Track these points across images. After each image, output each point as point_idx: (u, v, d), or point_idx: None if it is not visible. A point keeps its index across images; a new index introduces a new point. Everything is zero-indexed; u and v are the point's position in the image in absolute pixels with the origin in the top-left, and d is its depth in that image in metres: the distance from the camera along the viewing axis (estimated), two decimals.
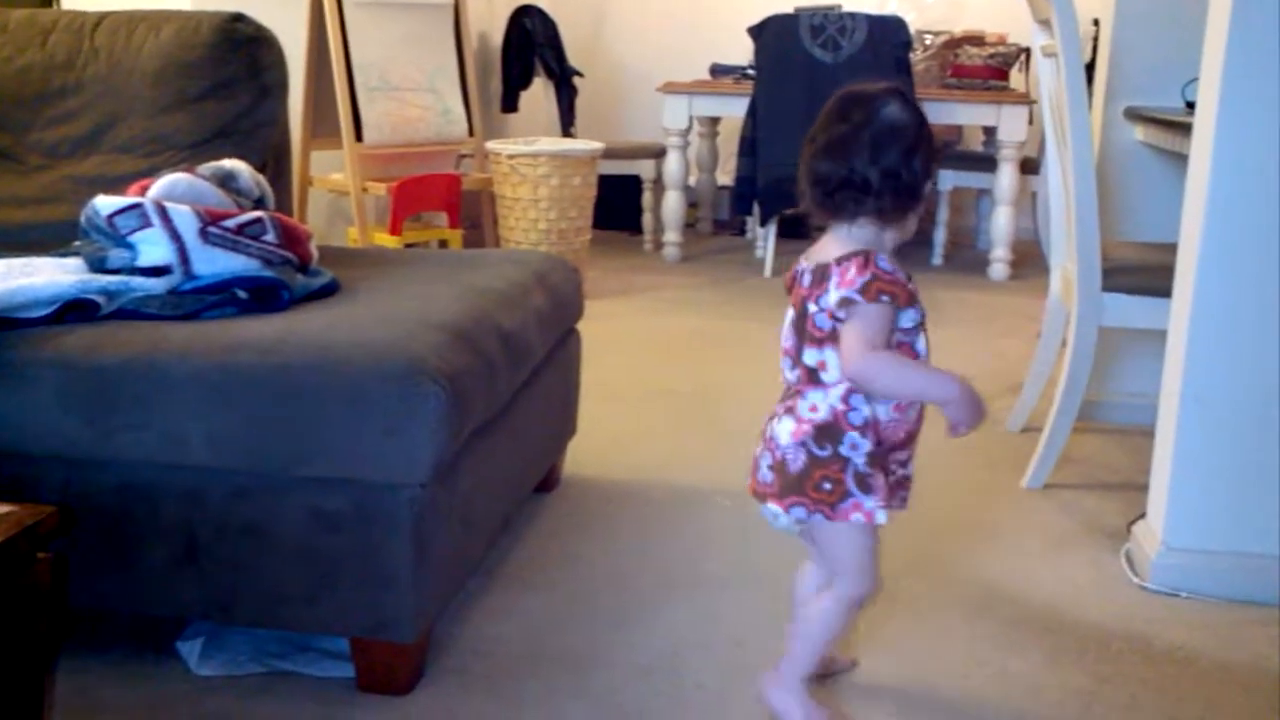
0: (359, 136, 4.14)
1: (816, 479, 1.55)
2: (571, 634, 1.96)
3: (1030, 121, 5.01)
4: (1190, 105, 2.81)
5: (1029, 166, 5.14)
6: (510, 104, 5.67)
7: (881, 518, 1.56)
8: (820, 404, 1.56)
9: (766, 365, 3.78)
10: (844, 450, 1.55)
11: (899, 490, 1.64)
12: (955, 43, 5.35)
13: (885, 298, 1.51)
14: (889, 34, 4.69)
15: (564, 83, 5.65)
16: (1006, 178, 4.92)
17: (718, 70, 5.37)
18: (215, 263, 1.90)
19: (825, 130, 1.57)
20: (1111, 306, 2.56)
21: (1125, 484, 2.68)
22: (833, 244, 1.59)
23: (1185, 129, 2.54)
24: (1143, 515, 2.31)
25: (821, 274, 1.56)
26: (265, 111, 2.43)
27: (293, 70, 2.60)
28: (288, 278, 1.95)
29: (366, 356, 1.69)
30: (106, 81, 2.43)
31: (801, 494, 1.56)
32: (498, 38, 5.65)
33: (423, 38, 4.44)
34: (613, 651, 1.90)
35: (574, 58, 5.74)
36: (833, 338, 1.55)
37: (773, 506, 1.60)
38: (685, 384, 3.36)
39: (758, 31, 4.85)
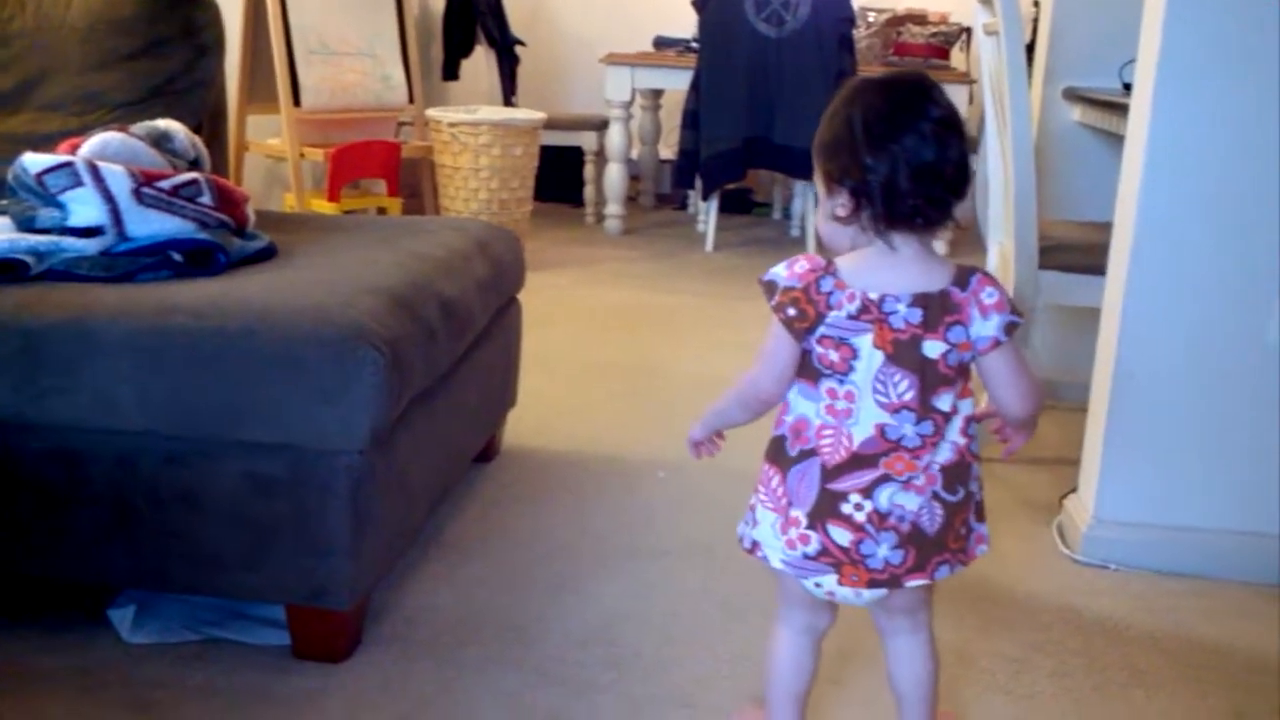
0: (296, 101, 4.07)
1: (956, 527, 1.37)
2: (509, 603, 1.96)
3: (970, 101, 5.05)
4: (1127, 86, 2.85)
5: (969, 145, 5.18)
6: (451, 72, 5.61)
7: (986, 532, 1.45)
8: (942, 445, 1.34)
9: (706, 339, 3.79)
10: (973, 486, 1.39)
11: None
12: (898, 20, 5.38)
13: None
14: (832, 10, 4.70)
15: (506, 52, 5.60)
16: None
17: (661, 43, 5.35)
18: (149, 224, 1.86)
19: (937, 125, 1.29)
20: (1047, 284, 2.60)
21: (1057, 459, 2.72)
22: (920, 263, 1.31)
23: (1122, 110, 2.57)
24: (1074, 489, 2.35)
25: (942, 305, 1.29)
26: (201, 72, 2.38)
27: (229, 32, 2.54)
28: (224, 241, 1.92)
29: (304, 321, 1.66)
30: (33, 36, 2.36)
31: (943, 550, 1.37)
32: (439, 4, 5.59)
33: (363, 2, 4.38)
34: (550, 621, 1.90)
35: (516, 26, 5.68)
36: (962, 373, 1.32)
37: (912, 583, 1.37)
38: (624, 357, 3.35)
39: (702, 4, 4.84)
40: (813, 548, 1.35)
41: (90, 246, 1.83)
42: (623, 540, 2.21)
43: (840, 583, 1.35)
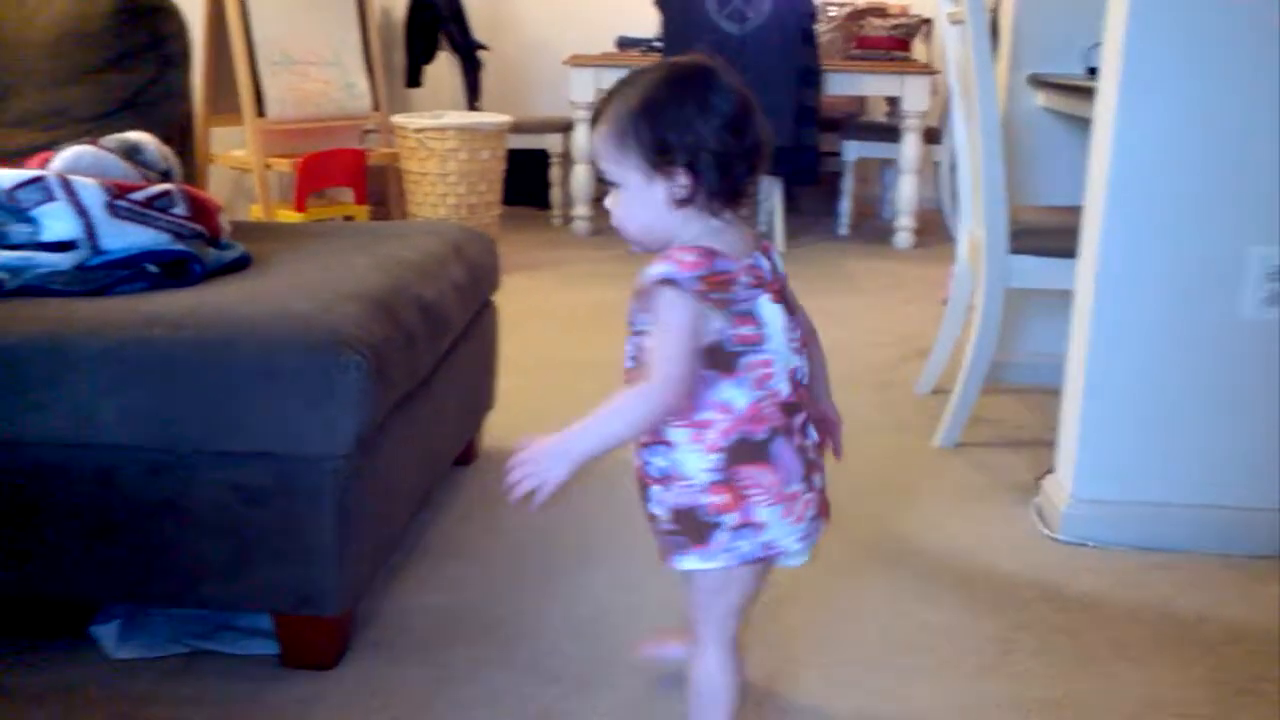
0: (261, 111, 4.05)
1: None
2: (496, 604, 1.96)
3: (934, 92, 5.09)
4: (1091, 71, 2.89)
5: (932, 136, 5.22)
6: (414, 79, 5.60)
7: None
8: None
9: None
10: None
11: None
12: (859, 14, 5.42)
13: None
14: (794, 6, 4.72)
15: (469, 57, 5.59)
16: (910, 147, 4.99)
17: (625, 43, 5.36)
18: (124, 236, 1.85)
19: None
20: (1018, 268, 2.62)
21: (1033, 441, 2.75)
22: (738, 228, 1.40)
23: (1087, 93, 2.60)
24: (1051, 470, 2.37)
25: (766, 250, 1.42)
26: (168, 83, 2.37)
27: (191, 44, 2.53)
28: (199, 251, 1.91)
29: (284, 328, 1.66)
30: None
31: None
32: (401, 11, 5.57)
33: (325, 10, 4.36)
34: (538, 619, 1.91)
35: (479, 31, 5.68)
36: None
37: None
38: (599, 355, 3.35)
39: (664, 3, 4.85)
40: (813, 509, 1.40)
41: (65, 261, 1.82)
42: (605, 537, 2.21)
43: (818, 516, 1.42)
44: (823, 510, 1.43)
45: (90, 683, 1.71)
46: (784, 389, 1.36)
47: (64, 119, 2.28)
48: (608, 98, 1.36)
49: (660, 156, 1.31)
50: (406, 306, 1.88)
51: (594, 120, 1.38)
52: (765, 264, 1.38)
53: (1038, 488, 2.40)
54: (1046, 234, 2.62)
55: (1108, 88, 2.14)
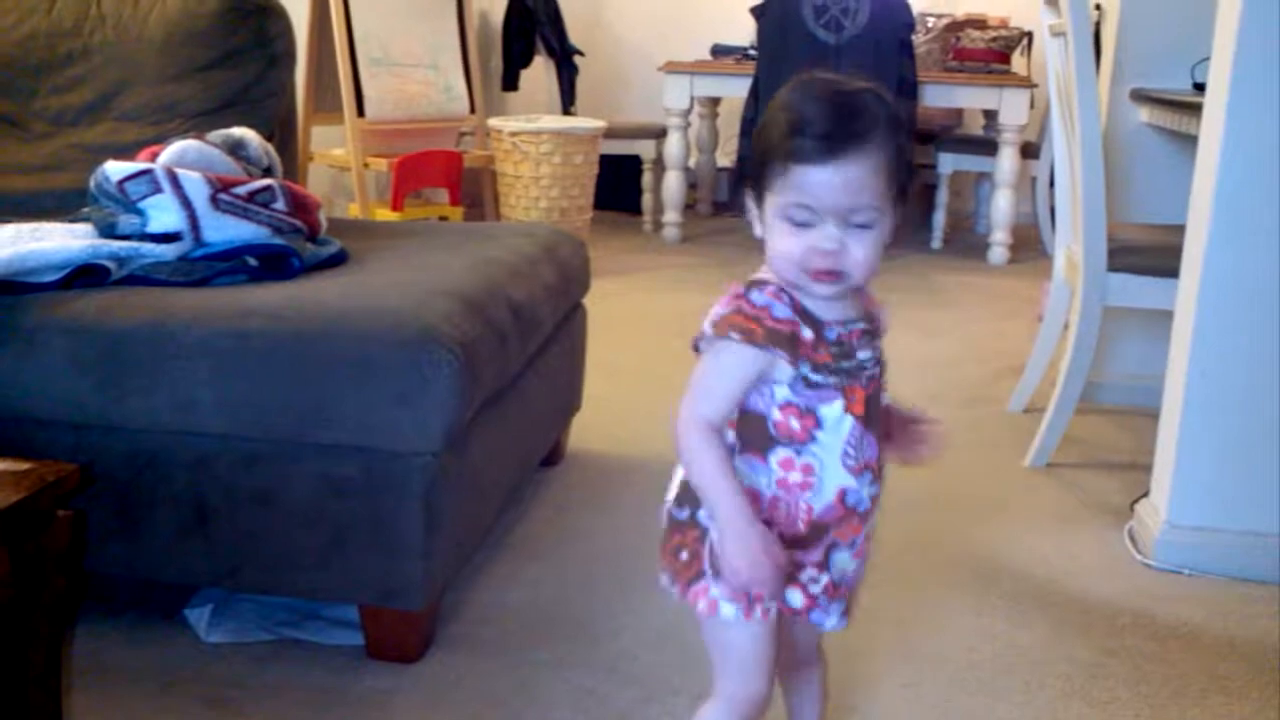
0: (360, 111, 4.12)
1: (674, 544, 1.25)
2: (579, 604, 1.97)
3: (1031, 105, 5.01)
4: (1199, 86, 2.82)
5: (1029, 151, 5.15)
6: (511, 82, 5.66)
7: (728, 612, 1.21)
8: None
9: None
10: (703, 518, 1.21)
11: (809, 590, 1.24)
12: (957, 25, 5.35)
13: (735, 335, 1.17)
14: (892, 15, 4.68)
15: (565, 61, 5.63)
16: (1007, 161, 4.92)
17: (719, 50, 5.36)
18: (225, 230, 1.89)
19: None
20: (1116, 286, 2.57)
21: (1127, 464, 2.68)
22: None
23: (1194, 109, 2.54)
24: (1146, 494, 2.32)
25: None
26: (273, 81, 2.42)
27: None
28: (297, 246, 1.95)
29: (379, 324, 1.68)
30: (113, 49, 2.41)
31: (664, 558, 1.27)
32: (499, 15, 5.63)
33: (425, 14, 4.43)
34: (620, 620, 1.91)
35: (575, 36, 5.72)
36: None
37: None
38: (687, 362, 3.35)
39: (760, 11, 4.84)
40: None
41: (169, 252, 1.87)
42: None
43: None
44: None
45: (182, 664, 1.75)
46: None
47: (172, 114, 2.34)
48: (848, 118, 1.11)
49: (904, 189, 1.16)
50: (498, 305, 1.89)
51: (840, 146, 1.10)
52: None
53: (1131, 511, 2.34)
54: (1146, 252, 2.56)
55: (1215, 103, 2.09)
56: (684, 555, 1.23)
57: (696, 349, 1.21)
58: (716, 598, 1.20)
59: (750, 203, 1.20)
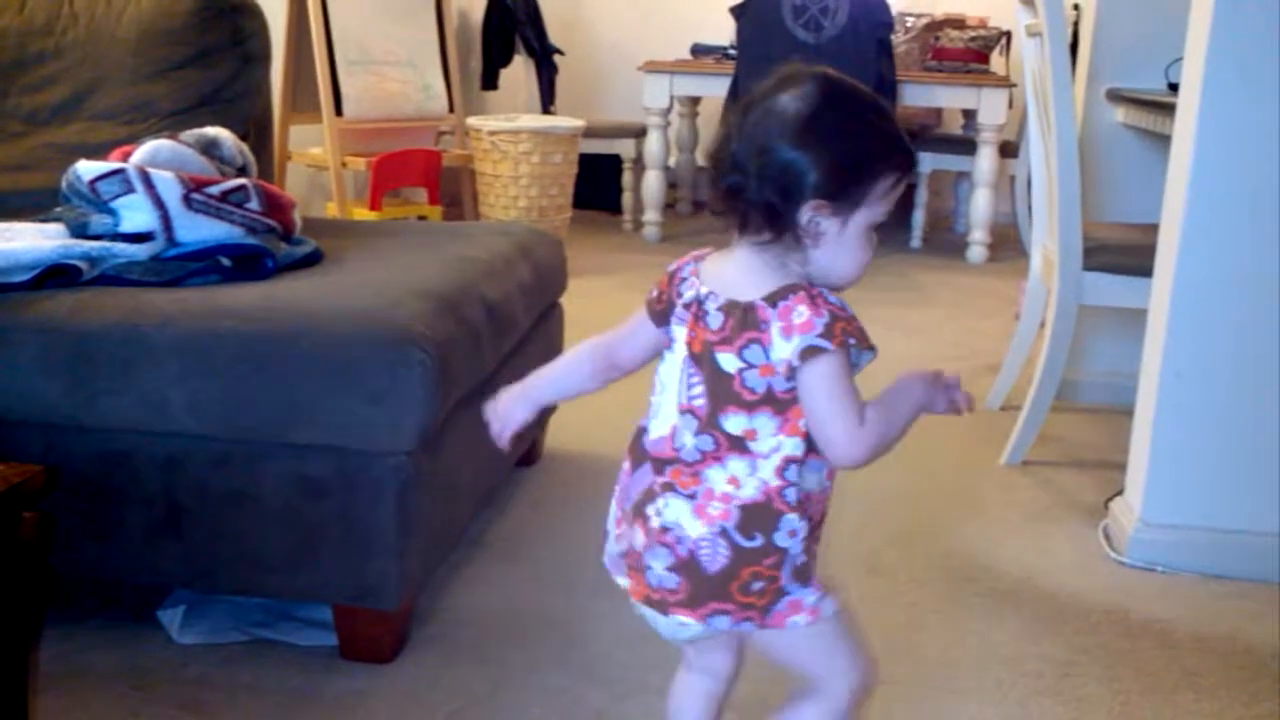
0: (338, 110, 4.11)
1: (745, 578, 1.18)
2: (554, 604, 1.96)
3: (1010, 105, 5.03)
4: (1173, 86, 2.83)
5: (1008, 150, 5.16)
6: (490, 81, 5.65)
7: (829, 608, 1.22)
8: (745, 478, 1.18)
9: None
10: (780, 539, 1.18)
11: None
12: (936, 25, 5.37)
13: (851, 340, 1.16)
14: (871, 15, 4.69)
15: (544, 61, 5.62)
16: (986, 160, 4.94)
17: (699, 50, 5.36)
18: (198, 229, 1.88)
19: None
20: (1092, 285, 2.58)
21: (1102, 462, 2.70)
22: (748, 270, 1.20)
23: (1168, 109, 2.55)
24: (1120, 492, 2.33)
25: (744, 318, 1.17)
26: (247, 80, 2.41)
27: (272, 43, 2.57)
28: (271, 246, 1.94)
29: (352, 324, 1.68)
30: (86, 48, 2.40)
31: (725, 599, 1.19)
32: (478, 14, 5.62)
33: (403, 12, 4.42)
34: (596, 621, 1.91)
35: (555, 35, 5.71)
36: (769, 401, 1.17)
37: (680, 617, 1.22)
38: None
39: (739, 11, 4.85)
40: (622, 545, 1.28)
41: (141, 252, 1.86)
42: None
43: (629, 591, 1.27)
44: (636, 588, 1.26)
45: (155, 665, 1.74)
46: (655, 431, 1.25)
47: (146, 114, 2.33)
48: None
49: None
50: (472, 305, 1.89)
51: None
52: (714, 313, 1.21)
53: (1106, 509, 2.36)
54: (1121, 251, 2.58)
55: (1188, 103, 2.10)
56: (758, 585, 1.18)
57: (792, 370, 1.15)
58: (816, 603, 1.20)
59: (814, 215, 1.15)
